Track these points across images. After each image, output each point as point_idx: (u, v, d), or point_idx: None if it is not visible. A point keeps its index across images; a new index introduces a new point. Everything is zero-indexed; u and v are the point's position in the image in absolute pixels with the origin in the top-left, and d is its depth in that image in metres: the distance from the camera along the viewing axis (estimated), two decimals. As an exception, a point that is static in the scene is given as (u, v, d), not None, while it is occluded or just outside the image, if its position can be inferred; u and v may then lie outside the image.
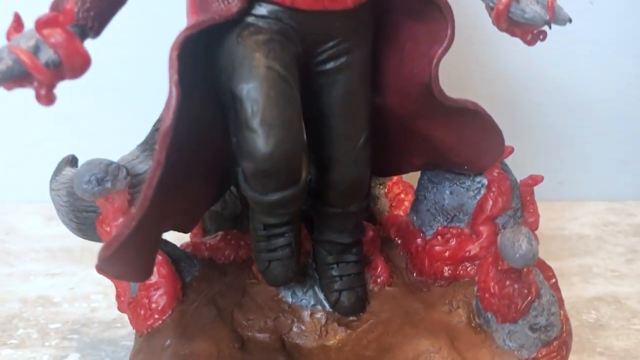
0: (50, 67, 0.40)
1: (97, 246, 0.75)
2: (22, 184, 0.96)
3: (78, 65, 0.41)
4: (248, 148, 0.43)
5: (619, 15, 0.84)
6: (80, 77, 0.42)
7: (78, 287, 0.78)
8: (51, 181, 0.60)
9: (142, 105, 0.83)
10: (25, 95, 0.42)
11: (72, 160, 0.61)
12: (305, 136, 0.46)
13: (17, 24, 0.44)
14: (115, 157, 0.56)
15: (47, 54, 0.40)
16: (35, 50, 0.41)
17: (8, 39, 0.43)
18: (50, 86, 0.41)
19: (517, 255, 0.50)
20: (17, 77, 0.41)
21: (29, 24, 0.41)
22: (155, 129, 0.58)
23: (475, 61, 0.83)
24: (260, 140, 0.42)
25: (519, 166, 0.65)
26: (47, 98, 0.41)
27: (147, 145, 0.57)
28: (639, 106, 0.90)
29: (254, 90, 0.42)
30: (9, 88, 0.42)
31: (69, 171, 0.60)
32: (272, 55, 0.43)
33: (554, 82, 0.88)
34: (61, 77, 0.41)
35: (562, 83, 0.88)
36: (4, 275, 0.81)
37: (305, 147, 0.47)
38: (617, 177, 0.94)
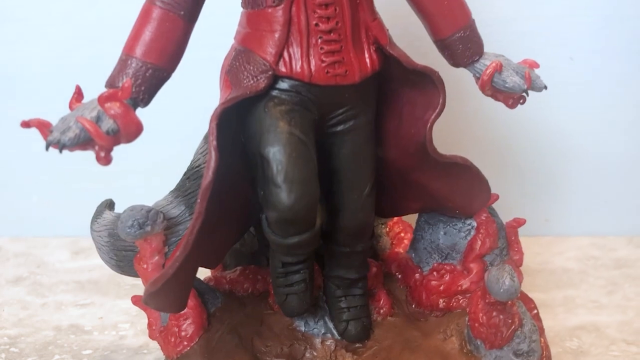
0: (110, 134, 0.49)
1: (122, 279, 0.83)
2: (50, 221, 1.04)
3: (132, 132, 0.50)
4: (273, 200, 0.51)
5: (595, 69, 0.93)
6: (134, 140, 0.50)
7: (106, 316, 0.85)
8: (92, 223, 0.68)
9: (163, 151, 0.92)
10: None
11: (110, 204, 0.69)
12: (319, 189, 0.54)
13: (78, 94, 0.52)
14: (136, 197, 0.63)
15: (107, 124, 0.49)
16: (97, 120, 0.49)
17: (70, 108, 0.51)
18: (109, 150, 0.49)
19: (502, 290, 0.57)
20: (82, 142, 0.49)
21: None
22: (187, 177, 0.66)
23: (467, 112, 0.91)
24: (284, 194, 0.50)
25: (509, 205, 0.72)
26: (106, 159, 0.50)
27: (179, 192, 0.65)
28: (618, 149, 0.98)
29: (278, 153, 0.50)
30: (72, 150, 0.50)
31: (108, 214, 0.67)
32: (293, 122, 0.52)
33: (541, 129, 0.96)
34: (118, 142, 0.50)
35: (547, 130, 0.96)
36: (38, 306, 0.88)
37: (319, 198, 0.55)
38: (599, 214, 1.01)
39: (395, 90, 0.59)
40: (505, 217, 0.68)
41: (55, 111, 0.51)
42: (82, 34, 0.93)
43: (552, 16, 0.90)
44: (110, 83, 0.52)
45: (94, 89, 0.50)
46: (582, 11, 0.90)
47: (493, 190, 0.64)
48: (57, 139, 0.48)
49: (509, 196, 0.77)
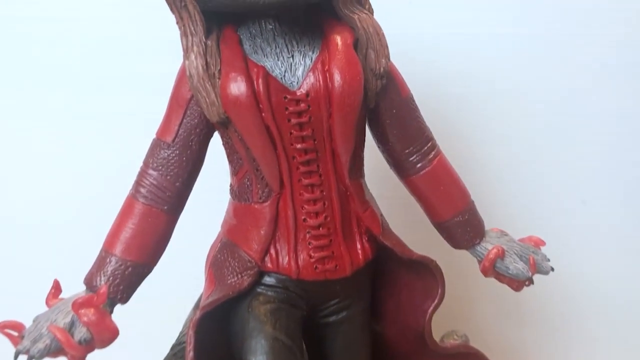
0: (82, 344, 0.46)
1: None
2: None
3: (106, 339, 0.47)
4: None
5: (607, 213, 0.90)
6: (109, 346, 0.48)
7: None
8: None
9: (150, 320, 0.87)
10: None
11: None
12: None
13: (56, 290, 0.50)
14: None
15: (80, 332, 0.46)
16: (71, 326, 0.46)
17: (47, 304, 0.49)
18: (82, 358, 0.47)
19: None
20: (53, 352, 0.46)
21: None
22: (173, 353, 0.62)
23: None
24: None
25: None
26: (77, 367, 0.47)
27: (165, 369, 0.61)
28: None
29: None
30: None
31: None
32: (278, 325, 0.49)
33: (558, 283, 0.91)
34: (91, 349, 0.47)
35: (566, 278, 0.92)
36: None
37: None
38: None
39: (392, 272, 0.56)
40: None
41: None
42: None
43: (564, 160, 0.88)
44: (88, 281, 0.49)
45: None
46: (594, 156, 0.87)
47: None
48: (26, 348, 0.46)
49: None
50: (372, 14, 0.50)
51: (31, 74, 0.82)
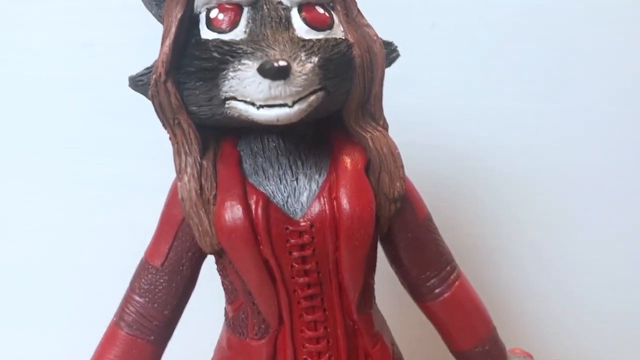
0: None
1: None
2: None
3: None
4: None
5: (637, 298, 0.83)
6: None
7: None
8: None
9: None
10: None
11: None
12: None
13: None
14: None
15: None
16: None
17: None
18: None
19: None
20: None
21: None
22: None
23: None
24: None
25: None
26: None
27: None
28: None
29: None
30: None
31: None
32: None
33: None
34: None
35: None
36: None
37: None
38: None
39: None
40: None
41: None
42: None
43: (591, 242, 0.82)
44: None
45: None
46: (622, 243, 0.81)
47: None
48: None
49: None
50: (387, 129, 0.44)
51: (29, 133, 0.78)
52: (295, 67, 0.37)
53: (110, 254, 0.77)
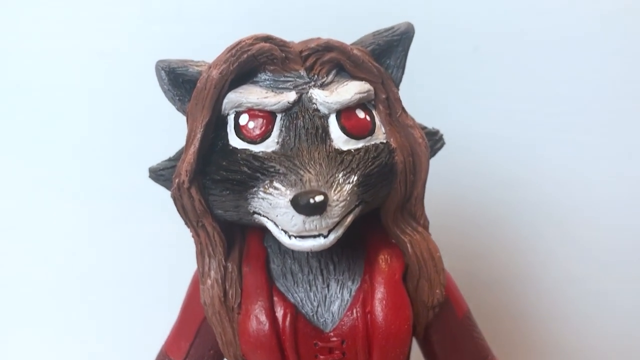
0: None
1: None
2: None
3: None
4: None
5: None
6: None
7: None
8: None
9: None
10: None
11: None
12: None
13: None
14: None
15: None
16: None
17: None
18: None
19: None
20: None
21: None
22: None
23: None
24: None
25: None
26: None
27: None
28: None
29: None
30: None
31: None
32: None
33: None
34: None
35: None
36: None
37: None
38: None
39: None
40: None
41: None
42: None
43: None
44: None
45: None
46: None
47: None
48: None
49: None
50: (428, 228, 0.41)
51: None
52: (332, 196, 0.33)
53: (111, 260, 0.75)
